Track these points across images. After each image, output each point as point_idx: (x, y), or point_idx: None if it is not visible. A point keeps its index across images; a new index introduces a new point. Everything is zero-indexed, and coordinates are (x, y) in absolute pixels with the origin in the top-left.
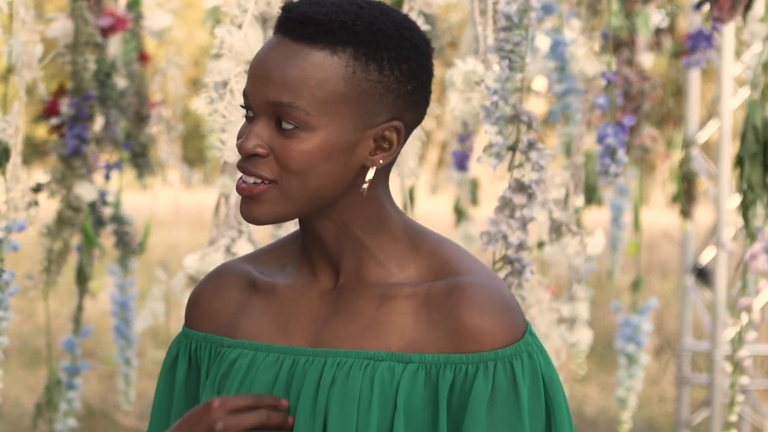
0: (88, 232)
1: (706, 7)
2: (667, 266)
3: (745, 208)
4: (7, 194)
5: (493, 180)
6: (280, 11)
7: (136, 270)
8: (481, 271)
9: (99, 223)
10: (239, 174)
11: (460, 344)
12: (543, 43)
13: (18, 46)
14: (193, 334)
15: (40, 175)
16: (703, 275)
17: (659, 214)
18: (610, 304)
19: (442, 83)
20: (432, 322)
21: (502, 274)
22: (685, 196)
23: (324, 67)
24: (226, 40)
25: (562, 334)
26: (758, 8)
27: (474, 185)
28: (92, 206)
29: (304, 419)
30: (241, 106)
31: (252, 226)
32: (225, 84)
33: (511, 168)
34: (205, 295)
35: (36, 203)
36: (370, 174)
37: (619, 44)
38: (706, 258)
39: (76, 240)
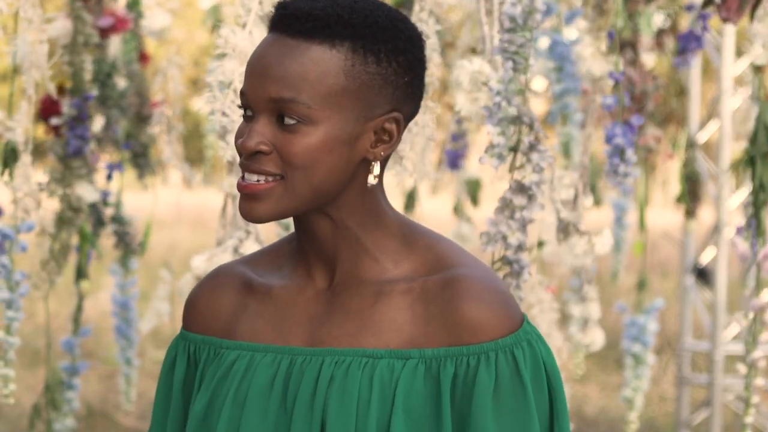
0: (85, 232)
1: (702, 7)
2: (667, 266)
3: (757, 208)
4: (14, 194)
5: (492, 180)
6: (273, 9)
7: (137, 270)
8: (475, 264)
9: (100, 223)
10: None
11: (459, 336)
12: (542, 43)
13: (24, 45)
14: (191, 336)
15: (39, 175)
16: (703, 275)
17: (659, 214)
18: (612, 305)
19: (443, 83)
20: (429, 317)
21: (500, 275)
22: (690, 196)
23: (324, 61)
24: (230, 39)
25: (573, 335)
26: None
27: (475, 186)
28: (93, 206)
29: (301, 418)
30: (239, 106)
31: (259, 227)
32: (229, 84)
33: (512, 169)
34: (202, 297)
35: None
36: (377, 168)
37: (623, 45)
38: (706, 258)
39: (75, 240)
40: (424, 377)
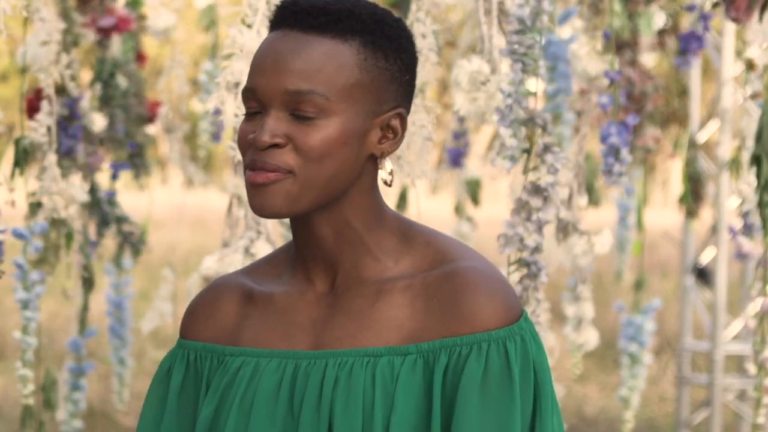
0: (70, 231)
1: (712, 9)
2: (667, 266)
3: (763, 207)
4: (31, 196)
5: (493, 180)
6: (278, 8)
7: (137, 270)
8: (476, 257)
9: (104, 223)
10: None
11: (456, 328)
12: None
13: (35, 45)
14: (190, 344)
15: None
16: (703, 275)
17: (659, 214)
18: (611, 304)
19: (442, 82)
20: (429, 310)
21: (516, 277)
22: (692, 196)
23: (338, 54)
24: (237, 39)
25: (568, 335)
26: None
27: (475, 185)
28: (98, 206)
29: (308, 422)
30: (244, 104)
31: (270, 227)
32: (237, 84)
33: (525, 171)
34: (203, 307)
35: (40, 204)
36: (389, 165)
37: (622, 45)
38: (706, 258)
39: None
40: (422, 371)
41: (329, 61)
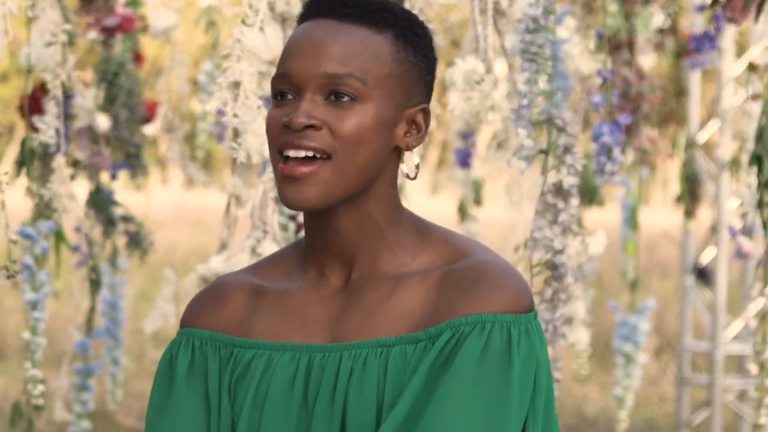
0: (60, 230)
1: (711, 8)
2: (667, 266)
3: (763, 208)
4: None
5: (495, 180)
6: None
7: (137, 271)
8: (494, 254)
9: (110, 222)
10: (255, 171)
11: (463, 311)
12: None
13: (39, 45)
14: (195, 332)
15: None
16: (703, 275)
17: (659, 214)
18: (608, 304)
19: (442, 83)
20: (441, 299)
21: (540, 279)
22: (689, 196)
23: (374, 43)
24: (240, 39)
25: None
26: None
27: (477, 185)
28: (103, 206)
29: (321, 414)
30: (274, 91)
31: (276, 227)
32: (237, 84)
33: (544, 172)
34: (210, 299)
35: (48, 205)
36: (416, 158)
37: (619, 45)
38: (706, 258)
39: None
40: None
41: (366, 48)
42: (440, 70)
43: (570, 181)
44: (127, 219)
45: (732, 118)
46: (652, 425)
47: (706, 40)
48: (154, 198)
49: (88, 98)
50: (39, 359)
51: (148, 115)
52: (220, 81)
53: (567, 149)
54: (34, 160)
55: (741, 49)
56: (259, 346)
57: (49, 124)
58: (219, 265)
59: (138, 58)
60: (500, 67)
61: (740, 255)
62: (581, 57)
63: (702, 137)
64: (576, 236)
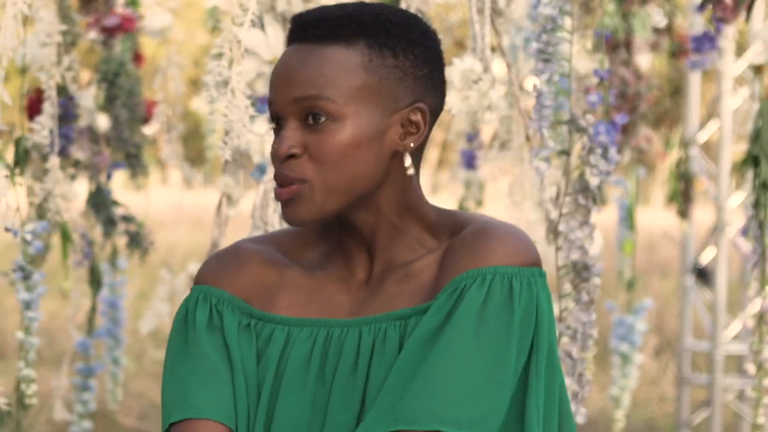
0: (66, 231)
1: (708, 8)
2: (667, 266)
3: (760, 208)
4: (33, 197)
5: (497, 180)
6: (290, 21)
7: (135, 270)
8: (504, 221)
9: (110, 222)
10: (248, 171)
11: (466, 266)
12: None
13: (35, 46)
14: (211, 289)
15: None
16: (703, 275)
17: (659, 214)
18: (605, 304)
19: None
20: (448, 262)
21: (567, 280)
22: (683, 196)
23: (342, 59)
24: (239, 39)
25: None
26: (760, 8)
27: (480, 186)
28: (103, 206)
29: (341, 389)
30: (271, 122)
31: (277, 226)
32: (226, 83)
33: (566, 173)
34: (231, 261)
35: (42, 205)
36: (408, 160)
37: (616, 45)
38: (706, 258)
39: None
40: None
41: (333, 66)
42: None
43: (595, 181)
44: (127, 219)
45: (732, 118)
46: (652, 425)
47: (706, 41)
48: (154, 198)
49: (88, 98)
50: (33, 359)
51: (147, 115)
52: (208, 79)
53: (591, 150)
54: (28, 160)
55: (741, 49)
56: (278, 321)
57: (43, 125)
58: None
59: (138, 58)
60: (498, 66)
61: (747, 257)
62: (578, 56)
63: (702, 137)
64: None
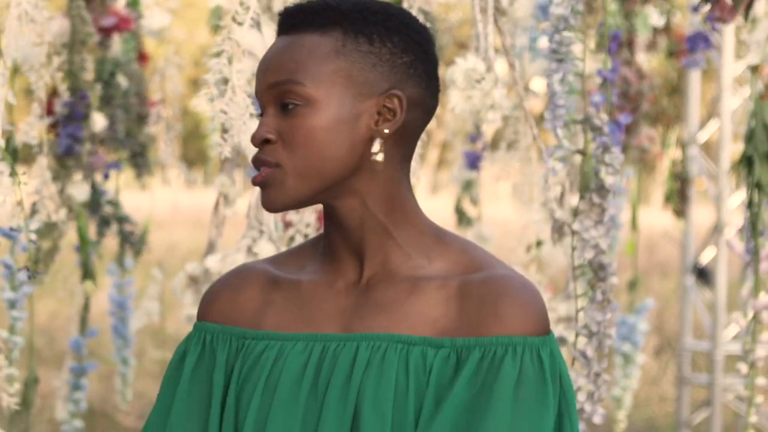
0: (83, 233)
1: (706, 8)
2: (667, 266)
3: (753, 208)
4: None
5: (495, 180)
6: (278, 16)
7: (135, 270)
8: (511, 270)
9: (104, 222)
10: (244, 170)
11: (489, 328)
12: (542, 43)
13: (26, 46)
14: (208, 326)
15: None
16: (703, 275)
17: (659, 214)
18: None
19: (443, 82)
20: (463, 311)
21: (582, 281)
22: (679, 195)
23: (315, 45)
24: (234, 38)
25: (560, 334)
26: (758, 8)
27: (475, 185)
28: (97, 206)
29: (333, 403)
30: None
31: (272, 226)
32: (226, 81)
33: (581, 172)
34: (226, 290)
35: (34, 205)
36: (377, 145)
37: (619, 44)
38: (706, 258)
39: (70, 240)
40: (454, 367)
41: (305, 51)
42: (441, 69)
43: (610, 180)
44: (121, 219)
45: (732, 118)
46: (652, 425)
47: (701, 40)
48: (154, 198)
49: (85, 97)
50: (16, 357)
51: (147, 114)
52: (208, 77)
53: (606, 148)
54: (17, 160)
55: (742, 49)
56: (271, 337)
57: (32, 125)
58: (214, 264)
59: (142, 57)
60: (500, 65)
61: (766, 258)
62: (581, 56)
63: (702, 137)
64: (574, 235)
